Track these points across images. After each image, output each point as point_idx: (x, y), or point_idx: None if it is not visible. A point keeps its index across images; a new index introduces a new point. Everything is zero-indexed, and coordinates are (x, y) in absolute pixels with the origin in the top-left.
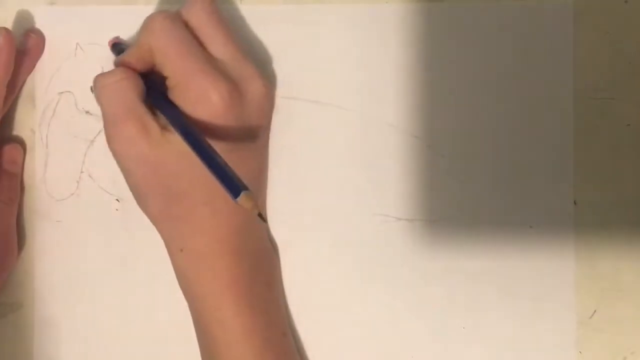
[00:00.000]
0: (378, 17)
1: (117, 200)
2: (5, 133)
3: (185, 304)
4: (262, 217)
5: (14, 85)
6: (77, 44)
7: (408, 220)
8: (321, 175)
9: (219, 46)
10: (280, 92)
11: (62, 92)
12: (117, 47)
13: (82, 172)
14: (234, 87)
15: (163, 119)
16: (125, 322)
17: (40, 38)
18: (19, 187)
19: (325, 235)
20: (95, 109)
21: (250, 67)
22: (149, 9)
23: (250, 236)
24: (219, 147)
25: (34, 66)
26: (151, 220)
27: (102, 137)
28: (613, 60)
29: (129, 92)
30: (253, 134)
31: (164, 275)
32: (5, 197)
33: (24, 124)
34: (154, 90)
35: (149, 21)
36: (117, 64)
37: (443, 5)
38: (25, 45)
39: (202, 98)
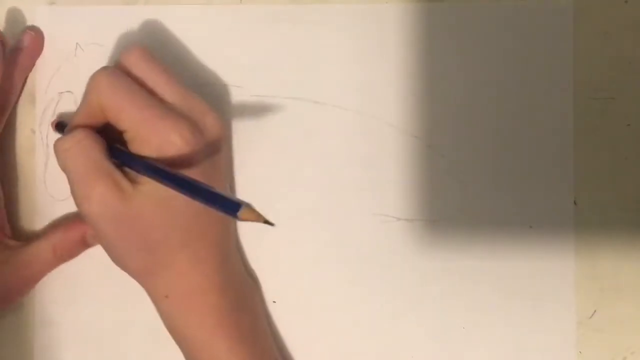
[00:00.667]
0: (378, 17)
1: None
2: (6, 133)
3: None
4: (269, 222)
5: (13, 85)
6: (77, 43)
7: (408, 220)
8: (321, 175)
9: (166, 89)
10: (281, 92)
11: (62, 92)
12: (61, 125)
13: None
14: (193, 124)
15: (130, 172)
16: (125, 322)
17: (39, 35)
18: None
19: (325, 235)
20: None
21: (202, 103)
22: (149, 9)
23: (232, 270)
24: None
25: (33, 64)
26: (132, 276)
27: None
28: (613, 60)
29: (93, 151)
30: (217, 167)
31: None
32: None
33: (24, 124)
34: (115, 146)
35: (94, 80)
36: (68, 132)
37: (443, 5)
38: (24, 43)
39: (165, 143)
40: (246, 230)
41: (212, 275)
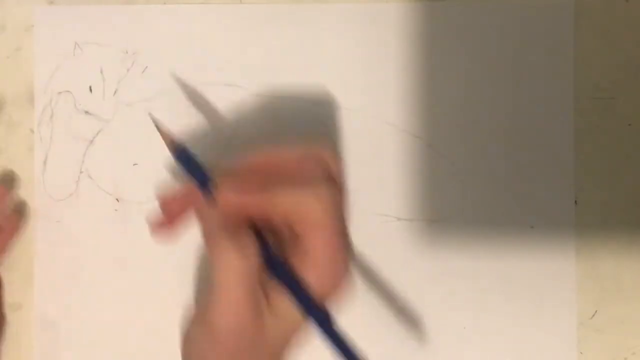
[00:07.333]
0: (378, 17)
1: (116, 200)
2: (5, 133)
3: (184, 302)
4: None
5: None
6: (76, 43)
7: (408, 220)
8: None
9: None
10: (281, 92)
11: (60, 92)
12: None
13: (81, 172)
14: (325, 178)
15: (273, 286)
16: (125, 323)
17: (19, 218)
18: None
19: None
20: (94, 108)
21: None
22: (148, 8)
23: None
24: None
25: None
26: None
27: (102, 137)
28: (614, 59)
29: (249, 264)
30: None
31: (163, 274)
32: None
33: (23, 124)
34: (275, 257)
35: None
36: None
37: (443, 5)
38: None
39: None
40: None
41: None
